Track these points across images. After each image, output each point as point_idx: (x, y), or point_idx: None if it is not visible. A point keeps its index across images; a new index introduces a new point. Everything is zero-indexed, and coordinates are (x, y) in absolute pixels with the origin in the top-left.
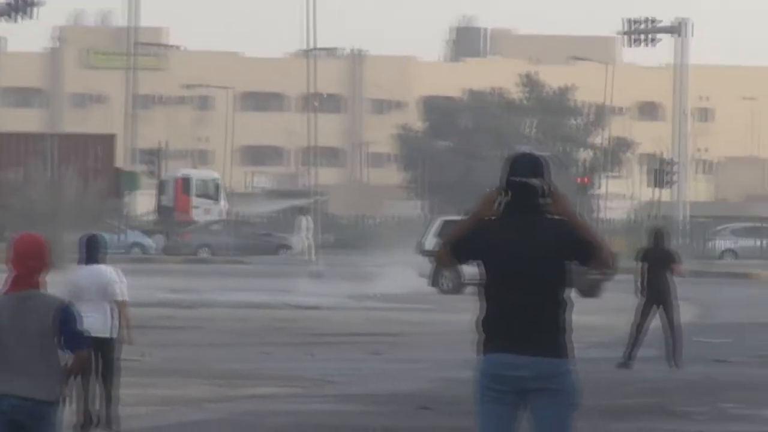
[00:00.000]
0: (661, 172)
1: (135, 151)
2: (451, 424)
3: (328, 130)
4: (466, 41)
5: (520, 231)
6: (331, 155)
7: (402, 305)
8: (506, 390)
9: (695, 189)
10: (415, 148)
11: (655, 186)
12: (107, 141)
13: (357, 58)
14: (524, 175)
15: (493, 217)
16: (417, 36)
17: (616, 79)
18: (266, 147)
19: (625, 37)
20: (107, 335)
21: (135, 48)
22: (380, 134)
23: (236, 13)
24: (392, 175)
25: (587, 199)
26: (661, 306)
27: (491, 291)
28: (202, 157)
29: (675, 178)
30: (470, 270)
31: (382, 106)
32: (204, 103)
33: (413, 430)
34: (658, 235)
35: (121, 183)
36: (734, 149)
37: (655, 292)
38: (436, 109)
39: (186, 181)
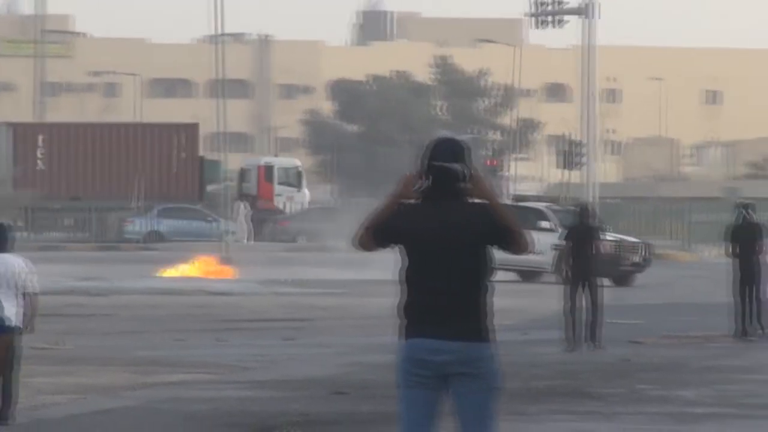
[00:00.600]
0: (569, 154)
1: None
2: (368, 409)
3: (237, 115)
4: (373, 25)
5: (441, 216)
6: (239, 140)
7: (314, 290)
8: (428, 375)
9: (604, 170)
10: (324, 133)
11: (564, 168)
12: (191, 129)
13: (264, 43)
14: (445, 160)
15: (413, 202)
16: (324, 20)
17: (524, 61)
18: None
19: (532, 19)
20: (14, 324)
21: (42, 35)
22: (289, 119)
23: None
24: (301, 160)
25: (497, 180)
26: (586, 284)
27: (412, 276)
28: None
29: (584, 159)
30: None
31: (290, 91)
32: (112, 90)
33: (330, 415)
34: (583, 212)
35: (204, 171)
36: (642, 130)
37: (581, 272)
38: (344, 93)
39: (269, 169)
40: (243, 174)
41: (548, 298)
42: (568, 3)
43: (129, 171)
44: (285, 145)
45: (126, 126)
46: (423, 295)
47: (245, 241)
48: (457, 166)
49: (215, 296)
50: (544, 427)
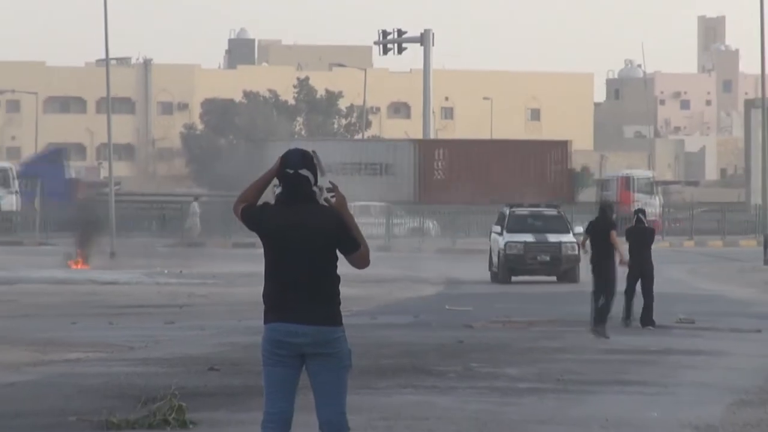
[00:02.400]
0: None
1: None
2: (238, 383)
3: (122, 129)
4: (240, 51)
5: (295, 216)
6: (126, 150)
7: (191, 281)
8: (286, 354)
9: None
10: (197, 144)
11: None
12: (563, 146)
13: (146, 65)
14: (296, 167)
15: (273, 204)
16: (199, 46)
17: (372, 83)
18: (70, 144)
19: (379, 46)
20: None
21: None
22: (167, 132)
23: (40, 25)
24: (179, 168)
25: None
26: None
27: (272, 268)
28: (11, 153)
29: None
30: None
31: (170, 107)
32: (13, 107)
33: (205, 388)
34: (604, 207)
35: (575, 181)
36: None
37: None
38: (216, 109)
39: (627, 180)
40: (603, 184)
41: (395, 287)
42: (407, 33)
43: (511, 181)
44: (165, 155)
45: (508, 142)
46: (280, 286)
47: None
48: (306, 173)
49: (102, 285)
50: (391, 400)
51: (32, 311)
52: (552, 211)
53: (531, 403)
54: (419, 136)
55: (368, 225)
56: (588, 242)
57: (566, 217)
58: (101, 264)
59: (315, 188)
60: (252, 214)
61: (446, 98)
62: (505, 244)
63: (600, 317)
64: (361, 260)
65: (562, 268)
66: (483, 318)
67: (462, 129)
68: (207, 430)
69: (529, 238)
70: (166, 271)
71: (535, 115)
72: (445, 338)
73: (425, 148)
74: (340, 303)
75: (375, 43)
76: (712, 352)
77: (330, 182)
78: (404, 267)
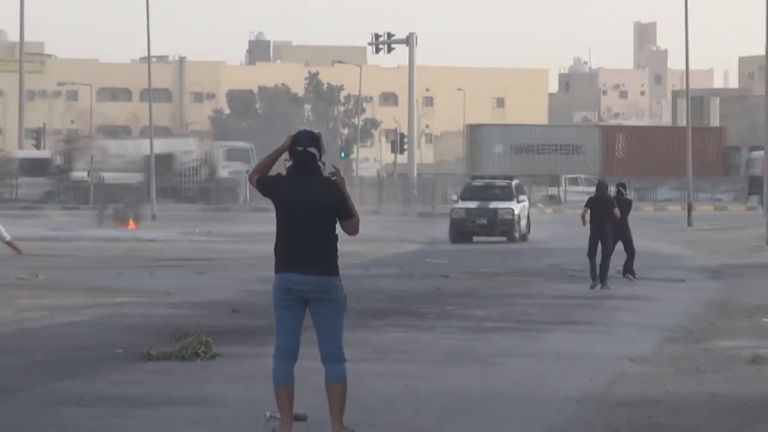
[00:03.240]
0: (397, 143)
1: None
2: (255, 323)
3: (162, 114)
4: (259, 50)
5: (303, 186)
6: (165, 133)
7: (218, 239)
8: (293, 299)
9: (421, 155)
10: (224, 128)
11: (392, 152)
12: (718, 132)
13: (181, 62)
14: (305, 145)
15: (285, 175)
16: (225, 46)
17: (367, 77)
18: (118, 126)
19: (372, 46)
20: None
21: (23, 57)
22: (199, 117)
23: (95, 25)
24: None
25: (348, 163)
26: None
27: (282, 228)
28: (71, 134)
29: (406, 146)
30: None
31: (201, 97)
32: (73, 96)
33: (228, 327)
34: (600, 186)
35: (727, 160)
36: (449, 126)
37: (598, 230)
38: (238, 99)
39: None
40: (750, 162)
41: (385, 245)
42: (395, 35)
43: (677, 159)
44: (196, 136)
45: (675, 129)
46: (289, 242)
47: None
48: (314, 150)
49: (144, 242)
50: (381, 337)
51: (88, 264)
52: (503, 183)
53: (495, 339)
54: (405, 121)
55: (577, 192)
56: (587, 214)
57: (515, 188)
58: (145, 225)
59: (320, 163)
60: (266, 184)
61: (427, 89)
62: (451, 210)
63: (603, 273)
64: (352, 227)
65: (498, 230)
66: (458, 270)
67: (440, 115)
68: (230, 360)
69: (472, 204)
70: (197, 231)
71: (500, 103)
72: (426, 286)
73: (608, 132)
74: (337, 258)
75: (369, 44)
76: (645, 297)
77: (333, 166)
78: None
